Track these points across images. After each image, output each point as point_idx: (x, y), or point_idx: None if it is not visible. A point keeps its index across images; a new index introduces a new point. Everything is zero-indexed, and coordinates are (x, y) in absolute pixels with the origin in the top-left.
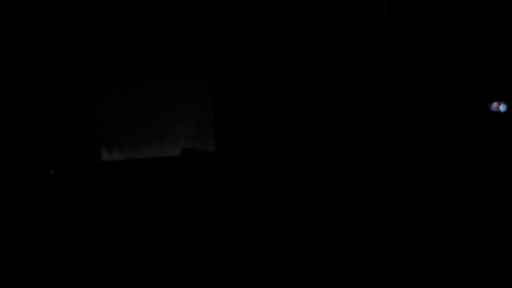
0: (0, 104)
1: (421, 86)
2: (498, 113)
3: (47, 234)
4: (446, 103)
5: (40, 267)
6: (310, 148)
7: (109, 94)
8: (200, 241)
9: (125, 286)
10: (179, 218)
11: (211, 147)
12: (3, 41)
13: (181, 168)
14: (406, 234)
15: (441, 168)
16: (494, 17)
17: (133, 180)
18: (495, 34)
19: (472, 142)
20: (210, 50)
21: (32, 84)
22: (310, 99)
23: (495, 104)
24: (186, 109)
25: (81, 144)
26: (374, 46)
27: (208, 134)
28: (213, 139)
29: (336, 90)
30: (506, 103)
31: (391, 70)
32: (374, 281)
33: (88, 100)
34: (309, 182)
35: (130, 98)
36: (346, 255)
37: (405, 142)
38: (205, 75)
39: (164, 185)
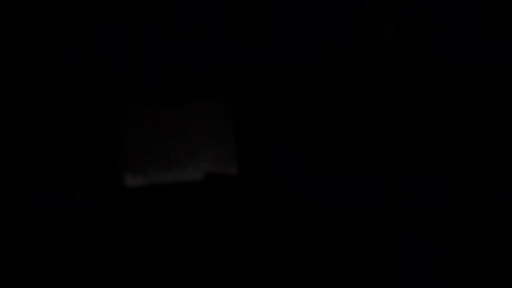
0: (20, 123)
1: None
2: None
3: (67, 257)
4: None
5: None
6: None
7: (132, 119)
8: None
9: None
10: (197, 237)
11: (233, 169)
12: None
13: (204, 193)
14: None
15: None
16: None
17: (156, 205)
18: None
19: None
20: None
21: (53, 109)
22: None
23: None
24: (207, 132)
25: (104, 169)
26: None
27: (230, 156)
28: (236, 160)
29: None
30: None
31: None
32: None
33: (111, 125)
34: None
35: (152, 123)
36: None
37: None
38: (224, 97)
39: (187, 211)
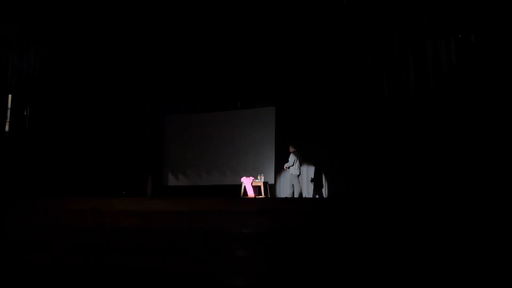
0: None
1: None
2: None
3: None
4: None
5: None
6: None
7: (177, 125)
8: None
9: None
10: None
11: (271, 177)
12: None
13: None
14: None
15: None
16: None
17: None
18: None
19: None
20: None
21: (111, 122)
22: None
23: None
24: (248, 141)
25: (149, 170)
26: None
27: (268, 164)
28: (273, 168)
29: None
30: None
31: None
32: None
33: (158, 132)
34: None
35: (196, 129)
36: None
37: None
38: (267, 109)
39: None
